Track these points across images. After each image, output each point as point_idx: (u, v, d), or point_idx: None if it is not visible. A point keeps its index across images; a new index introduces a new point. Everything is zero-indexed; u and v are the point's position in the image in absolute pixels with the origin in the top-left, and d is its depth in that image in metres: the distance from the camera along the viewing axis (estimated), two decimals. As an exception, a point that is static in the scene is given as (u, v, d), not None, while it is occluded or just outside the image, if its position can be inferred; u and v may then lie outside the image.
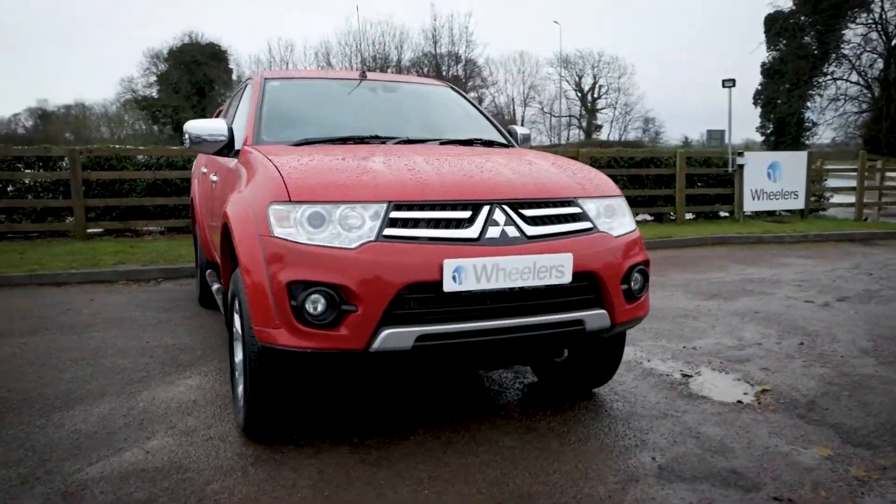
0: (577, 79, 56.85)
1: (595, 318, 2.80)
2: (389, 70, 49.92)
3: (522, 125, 55.52)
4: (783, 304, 5.80)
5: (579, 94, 57.54)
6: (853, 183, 13.17)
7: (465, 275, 2.51)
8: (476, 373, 3.90)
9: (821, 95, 36.89)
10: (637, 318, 3.03)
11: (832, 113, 36.87)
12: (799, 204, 12.22)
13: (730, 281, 7.01)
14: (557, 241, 2.72)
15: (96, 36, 76.30)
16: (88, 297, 6.23)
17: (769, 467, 2.72)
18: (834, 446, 2.92)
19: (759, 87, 38.22)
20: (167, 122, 44.77)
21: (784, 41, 36.48)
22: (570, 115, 57.96)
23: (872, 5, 33.96)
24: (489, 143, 3.85)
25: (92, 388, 3.66)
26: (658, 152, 12.41)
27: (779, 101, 36.93)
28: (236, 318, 2.97)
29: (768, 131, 38.34)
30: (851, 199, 13.03)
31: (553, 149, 13.25)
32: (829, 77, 36.82)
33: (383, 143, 3.49)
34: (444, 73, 50.61)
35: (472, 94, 52.74)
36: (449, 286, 2.49)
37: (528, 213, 2.74)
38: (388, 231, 2.54)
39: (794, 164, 12.09)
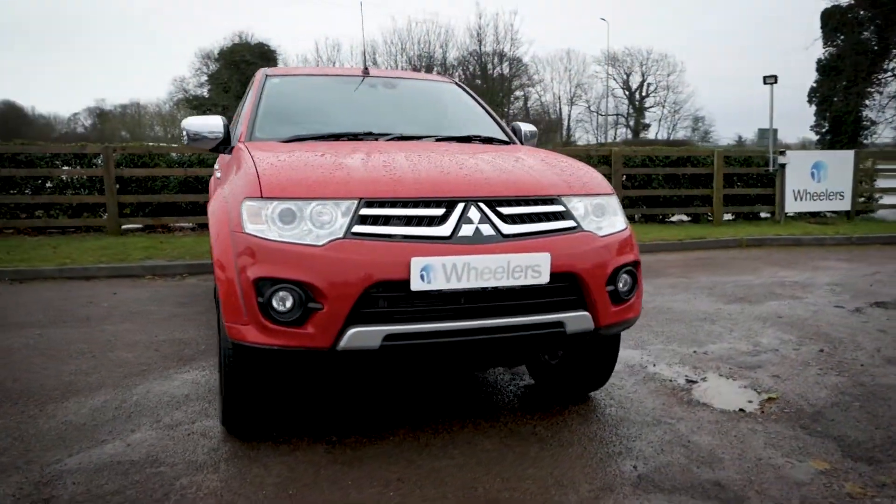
0: (624, 77, 55.94)
1: (576, 320, 2.71)
2: (435, 69, 50.01)
3: (569, 124, 55.03)
4: (810, 309, 5.55)
5: (627, 93, 56.61)
6: (905, 183, 12.58)
7: (433, 274, 2.45)
8: (472, 373, 3.84)
9: (880, 93, 35.35)
10: (625, 321, 2.92)
11: (893, 111, 35.33)
12: (845, 205, 11.73)
13: (758, 284, 6.76)
14: (535, 241, 2.63)
15: (152, 38, 78.68)
16: (112, 290, 6.39)
17: (757, 480, 2.58)
18: (833, 460, 2.76)
19: (815, 85, 36.87)
20: (217, 120, 45.73)
21: (841, 37, 35.12)
22: (617, 114, 57.05)
23: (936, -2, 32.42)
24: (488, 140, 3.78)
25: (91, 381, 3.73)
26: (695, 151, 12.06)
27: (835, 99, 35.53)
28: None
29: (823, 130, 36.97)
30: (903, 200, 12.47)
31: (598, 147, 13.02)
32: (889, 74, 35.28)
33: (376, 139, 3.46)
34: (489, 72, 50.41)
35: (517, 93, 52.46)
36: (416, 285, 2.44)
37: (506, 211, 2.66)
38: (358, 228, 2.50)
39: (839, 164, 11.61)
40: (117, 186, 8.99)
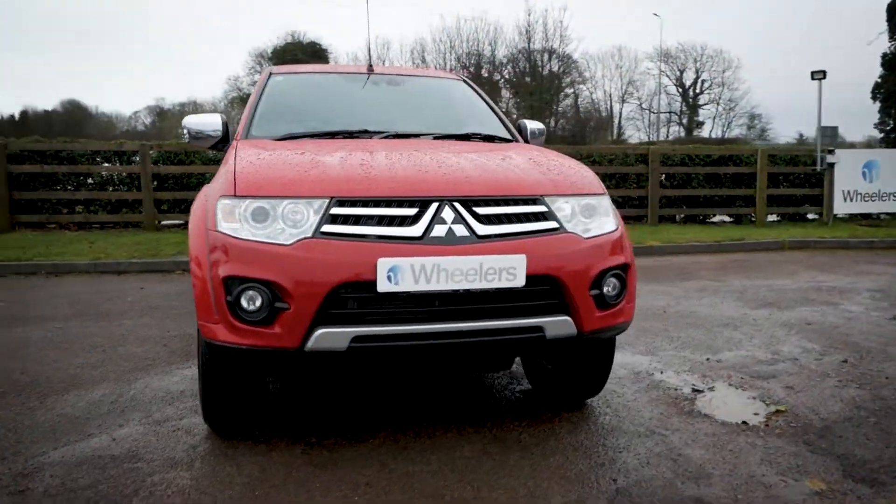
0: (678, 73, 54.57)
1: (557, 324, 2.61)
2: (484, 67, 49.81)
3: (620, 122, 54.09)
4: (844, 316, 5.28)
5: (680, 90, 55.24)
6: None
7: (401, 275, 2.39)
8: (470, 375, 3.76)
9: (949, 88, 33.57)
10: (613, 326, 2.81)
11: (962, 107, 33.48)
12: (900, 206, 11.17)
13: (793, 288, 6.47)
14: (512, 242, 2.54)
15: (209, 38, 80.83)
16: (140, 285, 6.55)
17: (744, 499, 2.44)
18: (831, 480, 2.59)
19: (879, 81, 35.29)
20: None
21: (908, 30, 33.45)
22: (669, 112, 55.75)
23: None
24: (489, 139, 3.69)
25: (96, 375, 3.81)
26: (737, 149, 11.66)
27: (900, 95, 33.91)
28: None
29: (888, 128, 35.35)
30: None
31: (635, 146, 12.73)
32: (959, 68, 33.44)
33: (370, 137, 3.42)
34: (539, 69, 49.92)
35: (567, 91, 51.78)
36: (383, 286, 2.39)
37: (483, 211, 2.58)
38: (327, 227, 2.46)
39: (894, 163, 11.04)
40: (154, 183, 9.22)
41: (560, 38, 48.80)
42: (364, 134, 3.46)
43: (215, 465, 2.67)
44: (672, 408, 3.34)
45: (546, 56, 50.34)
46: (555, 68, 50.78)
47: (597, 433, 3.01)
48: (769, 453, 2.81)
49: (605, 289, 2.73)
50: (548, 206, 2.70)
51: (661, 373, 3.89)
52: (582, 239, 2.70)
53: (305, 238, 2.44)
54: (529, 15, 55.97)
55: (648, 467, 2.68)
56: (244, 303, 2.43)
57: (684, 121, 55.25)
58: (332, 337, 2.42)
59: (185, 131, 3.63)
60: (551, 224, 2.67)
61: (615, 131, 53.62)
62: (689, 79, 54.09)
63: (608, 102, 55.11)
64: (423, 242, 2.46)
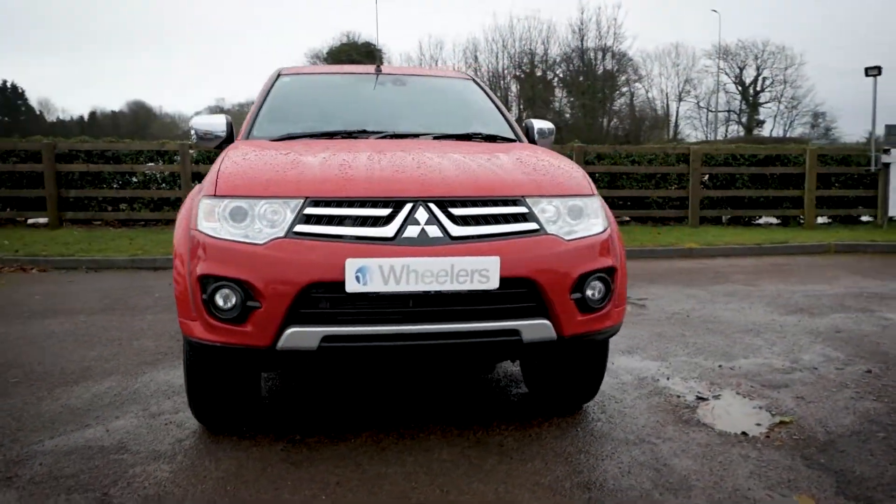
0: (737, 71, 52.92)
1: (534, 328, 2.56)
2: (539, 66, 49.43)
3: (676, 121, 52.83)
4: (879, 324, 5.02)
5: (740, 88, 53.56)
6: None
7: (370, 275, 2.38)
8: (469, 377, 3.73)
9: None
10: (598, 330, 2.74)
11: None
12: (962, 209, 10.56)
13: (830, 294, 6.19)
14: (485, 244, 2.50)
15: (268, 39, 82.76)
16: (170, 282, 6.73)
17: (722, 513, 2.34)
18: (822, 497, 2.46)
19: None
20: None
21: None
22: (728, 110, 54.17)
23: None
24: (490, 138, 3.65)
25: (107, 367, 3.93)
26: (785, 149, 11.22)
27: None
28: None
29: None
30: None
31: (675, 145, 12.42)
32: None
33: (368, 137, 3.43)
34: (594, 68, 49.21)
35: (623, 89, 50.89)
36: (351, 287, 2.38)
37: (458, 212, 2.54)
38: (300, 227, 2.47)
39: (956, 163, 10.45)
40: (194, 182, 9.47)
41: (614, 36, 48.02)
42: (363, 134, 3.47)
43: (195, 459, 2.72)
44: (670, 416, 3.23)
45: (600, 54, 49.59)
46: (609, 66, 49.99)
47: (583, 440, 2.94)
48: (761, 466, 2.69)
49: (587, 292, 2.66)
50: (529, 208, 2.65)
51: (668, 379, 3.77)
52: (563, 241, 2.63)
53: (278, 238, 2.46)
54: (583, 13, 55.38)
55: (628, 477, 2.59)
56: (219, 301, 2.47)
57: (744, 119, 53.60)
58: (302, 336, 2.43)
59: (193, 132, 3.71)
60: (531, 226, 2.61)
61: (671, 130, 52.42)
62: (749, 76, 52.42)
63: (664, 101, 53.91)
64: (395, 243, 2.44)
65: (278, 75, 4.09)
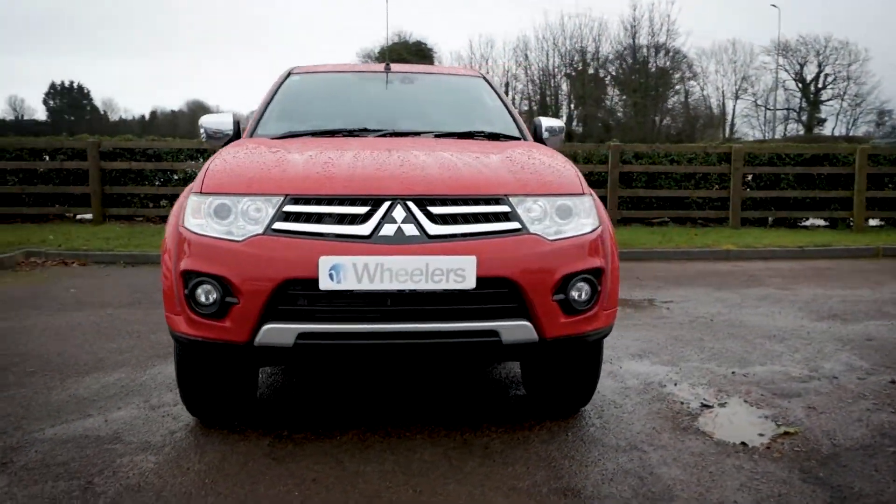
0: (797, 68, 51.07)
1: (514, 329, 2.52)
2: (590, 64, 48.74)
3: (732, 120, 51.33)
4: (915, 333, 4.77)
5: (800, 85, 51.67)
6: None
7: (343, 273, 2.38)
8: (470, 374, 3.70)
9: None
10: (584, 333, 2.67)
11: None
12: None
13: (869, 300, 5.91)
14: (462, 243, 2.47)
15: (321, 38, 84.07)
16: (201, 276, 6.89)
17: (701, 526, 2.26)
18: (813, 513, 2.34)
19: None
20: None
21: None
22: (787, 108, 52.34)
23: None
24: (494, 136, 3.61)
25: (121, 359, 4.05)
26: (833, 148, 10.76)
27: None
28: None
29: None
30: None
31: (717, 144, 12.08)
32: None
33: (368, 136, 3.43)
34: (647, 65, 48.26)
35: (677, 87, 49.76)
36: (325, 284, 2.39)
37: (437, 210, 2.52)
38: (279, 225, 2.49)
39: None
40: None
41: (667, 33, 46.92)
42: (364, 132, 3.48)
43: (181, 451, 2.77)
44: (668, 423, 3.13)
45: (653, 51, 48.59)
46: (662, 64, 48.92)
47: (571, 444, 2.87)
48: (753, 479, 2.58)
49: (572, 294, 2.60)
50: (511, 207, 2.60)
51: (675, 385, 3.66)
52: (546, 241, 2.58)
53: (257, 235, 2.48)
54: (635, 9, 54.25)
55: (609, 484, 2.52)
56: (200, 296, 2.51)
57: (804, 118, 51.71)
58: (278, 333, 2.45)
59: (203, 130, 3.78)
60: (512, 225, 2.57)
61: (727, 129, 50.98)
62: (810, 73, 50.50)
63: (720, 99, 52.45)
64: (370, 241, 2.44)
65: (288, 74, 4.13)
